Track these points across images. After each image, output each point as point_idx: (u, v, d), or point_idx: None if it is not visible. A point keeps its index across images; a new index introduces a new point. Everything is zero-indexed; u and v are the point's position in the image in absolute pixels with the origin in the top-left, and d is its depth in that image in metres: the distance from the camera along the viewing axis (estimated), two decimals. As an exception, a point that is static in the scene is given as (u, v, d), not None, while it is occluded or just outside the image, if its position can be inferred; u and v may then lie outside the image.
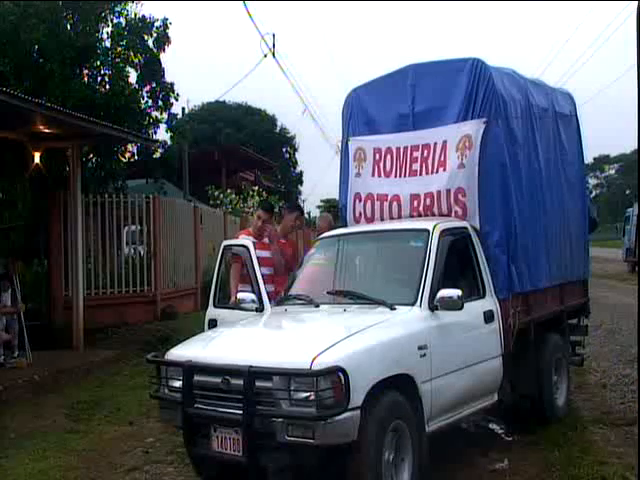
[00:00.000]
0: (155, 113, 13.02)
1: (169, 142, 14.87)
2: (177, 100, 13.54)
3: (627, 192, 75.07)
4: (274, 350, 4.40)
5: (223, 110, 36.66)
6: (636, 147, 45.04)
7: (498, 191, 5.57)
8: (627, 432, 5.92)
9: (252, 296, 5.51)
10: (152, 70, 12.83)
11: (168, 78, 13.14)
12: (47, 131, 9.59)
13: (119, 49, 12.47)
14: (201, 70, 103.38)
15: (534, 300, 5.98)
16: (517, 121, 5.91)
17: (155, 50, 12.82)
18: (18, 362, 8.87)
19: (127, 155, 13.47)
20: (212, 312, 6.02)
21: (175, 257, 13.93)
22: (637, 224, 24.27)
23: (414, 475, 4.38)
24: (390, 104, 6.20)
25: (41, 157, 10.23)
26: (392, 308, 4.76)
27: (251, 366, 4.05)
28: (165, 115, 13.30)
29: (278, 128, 39.85)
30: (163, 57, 13.01)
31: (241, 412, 4.07)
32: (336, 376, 3.88)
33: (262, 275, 5.67)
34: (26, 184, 11.96)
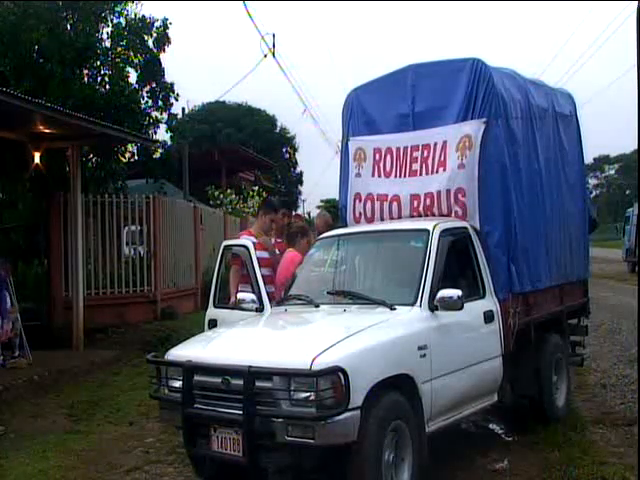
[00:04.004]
0: (155, 113, 13.04)
1: (169, 142, 14.90)
2: (177, 100, 13.60)
3: (627, 192, 75.07)
4: (274, 350, 4.40)
5: (223, 110, 36.60)
6: (636, 147, 45.03)
7: (498, 191, 5.57)
8: (627, 432, 5.92)
9: (252, 296, 5.51)
10: (152, 70, 12.84)
11: (168, 78, 13.19)
12: (47, 131, 9.59)
13: (119, 49, 12.49)
14: (201, 70, 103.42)
15: (534, 300, 5.98)
16: (517, 121, 5.91)
17: (155, 50, 12.83)
18: (18, 362, 8.87)
19: (127, 155, 13.48)
20: (212, 312, 6.02)
21: (175, 257, 13.94)
22: (637, 224, 24.26)
23: (414, 475, 4.38)
24: (390, 104, 6.20)
25: (41, 157, 10.23)
26: (392, 308, 4.76)
27: (251, 366, 4.05)
28: (165, 115, 13.33)
29: (278, 128, 39.79)
30: (163, 57, 13.05)
31: (241, 412, 4.07)
32: (336, 376, 3.87)
33: (262, 275, 5.67)
34: (26, 184, 11.96)
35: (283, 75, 20.21)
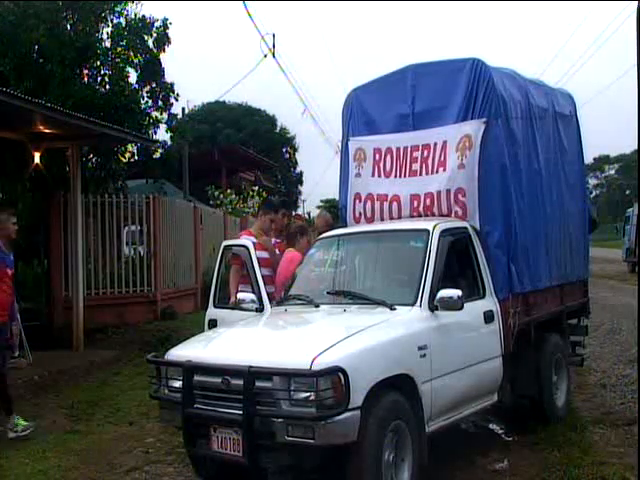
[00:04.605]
0: (155, 113, 13.03)
1: (169, 142, 14.89)
2: (177, 100, 13.60)
3: (627, 192, 75.11)
4: (274, 350, 4.40)
5: (223, 110, 36.62)
6: (636, 147, 45.08)
7: (498, 191, 5.57)
8: (627, 432, 5.92)
9: (252, 296, 5.52)
10: (152, 70, 12.84)
11: (168, 78, 13.18)
12: (47, 131, 9.59)
13: (119, 49, 12.48)
14: (201, 70, 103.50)
15: (534, 300, 5.98)
16: (517, 121, 5.91)
17: (155, 50, 12.84)
18: (18, 362, 8.86)
19: (127, 155, 13.48)
20: (212, 312, 6.02)
21: (175, 257, 13.93)
22: (637, 224, 24.25)
23: (414, 475, 4.38)
24: (390, 104, 6.20)
25: (41, 157, 10.23)
26: (392, 308, 4.76)
27: (251, 366, 4.05)
28: (165, 115, 13.32)
29: (278, 128, 39.83)
30: (163, 57, 13.05)
31: (241, 412, 4.07)
32: (336, 376, 3.88)
33: (262, 275, 5.67)
34: (26, 184, 11.96)
35: (283, 75, 20.25)
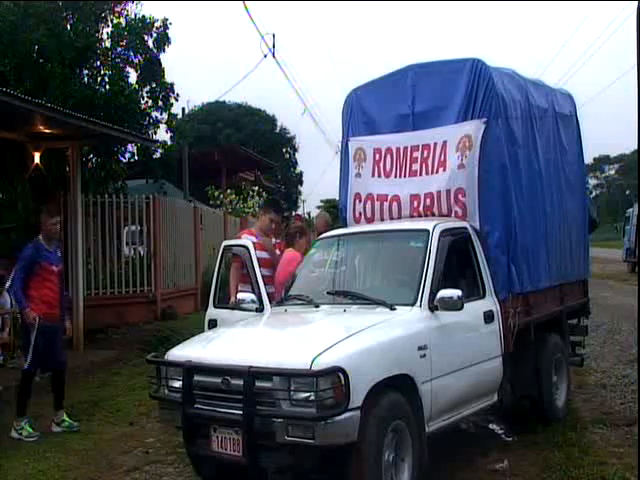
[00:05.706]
0: (155, 113, 13.05)
1: (169, 142, 14.89)
2: (177, 100, 13.63)
3: (627, 192, 75.15)
4: (274, 350, 4.40)
5: (223, 110, 36.62)
6: (636, 147, 45.11)
7: (498, 191, 5.57)
8: (627, 432, 5.92)
9: (252, 296, 5.52)
10: (152, 70, 12.86)
11: (168, 78, 13.20)
12: (47, 131, 9.59)
13: (119, 49, 12.49)
14: (201, 70, 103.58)
15: (534, 300, 5.98)
16: (517, 121, 5.91)
17: (155, 50, 12.85)
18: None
19: (127, 155, 13.49)
20: (212, 312, 6.02)
21: (175, 257, 13.93)
22: (637, 224, 24.24)
23: (414, 475, 4.38)
24: (390, 104, 6.21)
25: (41, 157, 10.24)
26: (392, 308, 4.76)
27: (251, 366, 4.05)
28: (165, 115, 13.33)
29: (278, 128, 39.83)
30: (163, 57, 13.08)
31: (241, 412, 4.07)
32: (336, 376, 3.88)
33: (262, 275, 5.67)
34: (26, 184, 11.97)
35: (283, 75, 20.24)
